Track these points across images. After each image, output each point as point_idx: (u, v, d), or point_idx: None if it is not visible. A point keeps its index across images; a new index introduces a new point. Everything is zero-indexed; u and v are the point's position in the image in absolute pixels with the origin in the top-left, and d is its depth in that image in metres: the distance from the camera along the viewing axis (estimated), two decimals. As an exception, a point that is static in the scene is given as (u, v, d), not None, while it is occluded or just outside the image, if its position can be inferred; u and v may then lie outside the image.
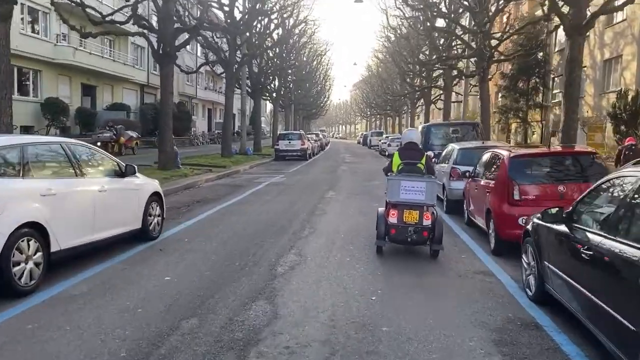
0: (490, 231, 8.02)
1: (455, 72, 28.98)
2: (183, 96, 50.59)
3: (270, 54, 37.25)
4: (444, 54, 25.58)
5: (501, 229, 7.59)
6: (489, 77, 32.93)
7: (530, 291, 5.74)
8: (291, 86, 51.46)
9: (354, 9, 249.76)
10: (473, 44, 22.34)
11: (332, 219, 10.37)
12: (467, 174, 10.14)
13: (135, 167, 7.66)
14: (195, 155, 28.11)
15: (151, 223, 8.03)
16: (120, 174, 7.43)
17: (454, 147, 12.30)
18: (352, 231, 9.10)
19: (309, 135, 45.15)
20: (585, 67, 28.55)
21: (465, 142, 14.29)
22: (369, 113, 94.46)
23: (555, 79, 33.27)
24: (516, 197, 7.53)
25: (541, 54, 32.71)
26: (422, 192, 7.09)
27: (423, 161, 7.58)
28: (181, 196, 13.74)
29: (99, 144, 24.69)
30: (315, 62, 62.33)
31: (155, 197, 8.26)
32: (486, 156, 9.36)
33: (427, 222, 7.05)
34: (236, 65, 27.13)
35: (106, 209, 6.81)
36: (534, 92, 33.12)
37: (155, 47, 18.42)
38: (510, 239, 7.49)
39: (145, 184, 8.08)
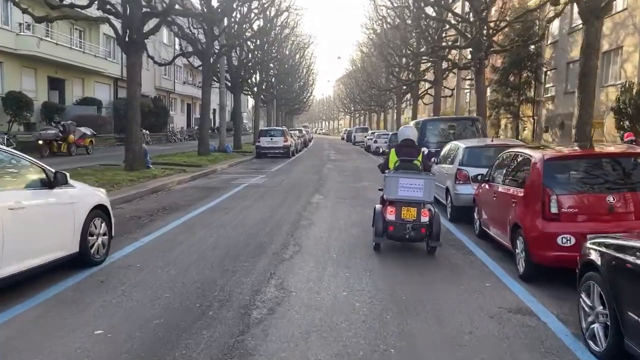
0: (519, 251, 6.48)
1: (446, 64, 27.48)
2: (160, 91, 48.51)
3: (251, 46, 35.29)
4: (437, 45, 23.93)
5: (534, 250, 6.06)
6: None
7: (597, 345, 4.21)
8: (273, 80, 49.62)
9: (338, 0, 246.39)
10: (468, 34, 20.81)
11: (321, 232, 8.75)
12: (480, 177, 8.60)
13: (67, 174, 5.93)
14: (170, 153, 26.28)
15: (93, 245, 6.32)
16: (47, 183, 5.72)
17: (459, 145, 10.75)
18: (345, 250, 7.49)
19: (291, 132, 43.53)
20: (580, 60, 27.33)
21: (471, 139, 12.82)
22: (352, 109, 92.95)
23: (548, 72, 32.10)
24: (554, 210, 5.99)
25: (533, 46, 31.53)
26: (420, 189, 7.05)
27: (420, 158, 7.52)
28: (146, 202, 12.00)
29: (40, 142, 21.98)
30: (298, 56, 60.54)
31: (100, 211, 6.55)
32: (507, 157, 7.82)
33: (424, 219, 7.01)
34: (214, 57, 25.27)
35: (23, 232, 5.10)
36: (526, 86, 31.91)
37: (121, 34, 16.59)
38: (546, 262, 6.00)
39: (84, 196, 6.35)
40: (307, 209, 11.16)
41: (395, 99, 51.36)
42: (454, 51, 28.73)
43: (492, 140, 10.82)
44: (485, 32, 19.00)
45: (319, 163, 26.14)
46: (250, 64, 33.67)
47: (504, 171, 7.62)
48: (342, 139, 69.44)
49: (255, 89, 40.19)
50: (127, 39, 16.48)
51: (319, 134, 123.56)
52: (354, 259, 6.93)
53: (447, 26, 26.24)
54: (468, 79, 31.58)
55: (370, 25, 47.27)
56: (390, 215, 7.01)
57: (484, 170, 9.35)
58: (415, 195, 7.03)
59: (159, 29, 17.52)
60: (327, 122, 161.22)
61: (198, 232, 8.52)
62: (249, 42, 33.80)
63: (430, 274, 6.38)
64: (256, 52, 35.99)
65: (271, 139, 28.71)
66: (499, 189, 7.54)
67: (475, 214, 9.05)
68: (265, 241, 7.88)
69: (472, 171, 9.92)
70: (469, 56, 24.39)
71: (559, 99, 29.88)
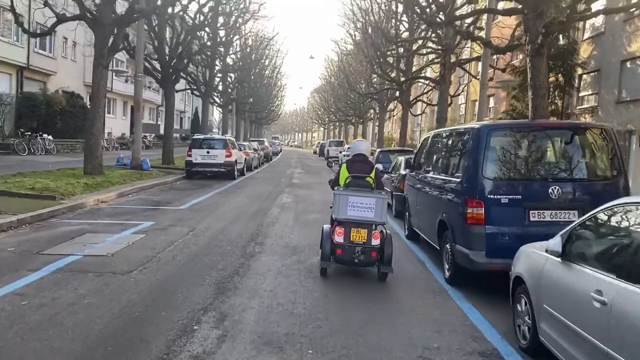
0: None
1: (454, 57, 19.20)
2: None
3: (189, 21, 26.04)
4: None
5: None
6: (505, 68, 23.97)
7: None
8: (232, 78, 40.78)
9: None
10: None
11: None
12: None
13: None
14: (51, 168, 17.30)
15: None
16: None
17: None
18: None
19: (251, 142, 34.94)
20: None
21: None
22: (327, 120, 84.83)
23: (584, 76, 24.34)
24: None
25: (564, 41, 23.81)
26: (371, 209, 6.52)
27: (372, 175, 7.01)
28: None
29: None
30: (264, 53, 51.70)
31: None
32: None
33: (375, 241, 6.49)
34: (114, 26, 16.46)
35: None
36: (556, 92, 24.08)
37: None
38: None
39: None
40: None
41: (377, 108, 43.29)
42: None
43: None
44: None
45: (272, 191, 17.58)
46: (186, 49, 24.59)
47: None
48: (315, 152, 61.78)
49: (204, 87, 31.34)
50: None
51: (291, 146, 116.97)
52: None
53: None
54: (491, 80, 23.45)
55: (353, 17, 39.21)
56: (339, 237, 6.46)
57: None
58: (366, 215, 6.49)
59: None
60: (300, 134, 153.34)
61: None
62: (186, 16, 24.86)
63: None
64: (201, 34, 27.09)
65: (207, 152, 20.13)
66: None
67: None
68: None
69: None
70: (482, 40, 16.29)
71: (606, 111, 22.03)
